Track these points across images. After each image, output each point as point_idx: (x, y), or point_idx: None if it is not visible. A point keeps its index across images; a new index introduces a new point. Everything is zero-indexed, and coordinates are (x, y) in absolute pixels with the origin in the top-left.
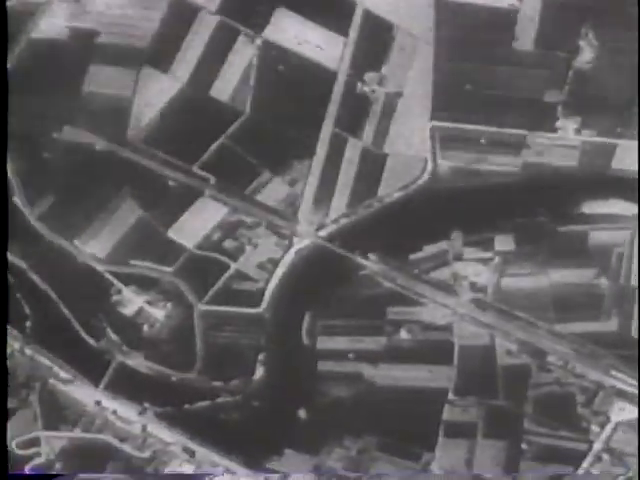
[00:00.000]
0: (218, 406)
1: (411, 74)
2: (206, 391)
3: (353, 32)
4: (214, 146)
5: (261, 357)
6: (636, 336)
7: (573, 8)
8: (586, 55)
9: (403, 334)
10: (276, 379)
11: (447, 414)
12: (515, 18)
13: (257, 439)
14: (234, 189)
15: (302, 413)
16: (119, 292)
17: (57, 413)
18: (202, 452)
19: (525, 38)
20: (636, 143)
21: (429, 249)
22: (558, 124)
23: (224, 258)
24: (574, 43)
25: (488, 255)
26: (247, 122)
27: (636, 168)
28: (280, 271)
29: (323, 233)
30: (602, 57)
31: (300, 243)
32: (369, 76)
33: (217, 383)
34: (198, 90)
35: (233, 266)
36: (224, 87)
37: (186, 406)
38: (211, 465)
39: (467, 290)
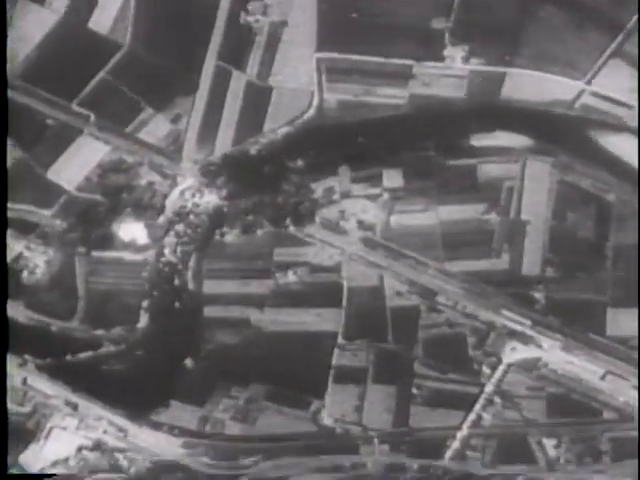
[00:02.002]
0: (101, 356)
1: (296, 2)
2: (88, 341)
3: None
4: (93, 82)
5: (145, 304)
6: (526, 273)
7: None
8: None
9: (290, 276)
10: (161, 327)
11: (337, 359)
12: None
13: (142, 390)
14: (115, 127)
15: (188, 362)
16: None
17: None
18: (85, 405)
19: None
20: (525, 71)
21: (316, 186)
22: (445, 53)
23: (106, 200)
24: None
25: (376, 191)
26: (127, 56)
27: (526, 98)
28: (168, 212)
29: (208, 172)
30: None
31: (184, 182)
32: (253, 5)
33: (99, 332)
34: (76, 22)
35: (110, 209)
36: (103, 18)
37: (68, 357)
38: (95, 418)
39: (355, 229)
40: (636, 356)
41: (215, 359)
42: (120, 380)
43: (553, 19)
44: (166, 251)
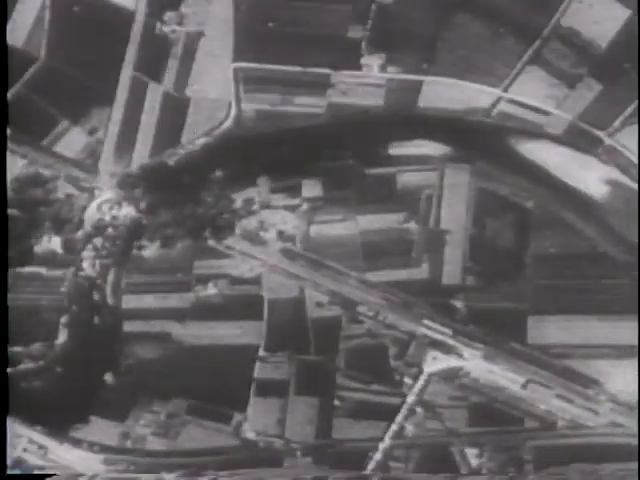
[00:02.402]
0: (19, 373)
1: (212, 12)
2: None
3: None
4: (9, 95)
5: (64, 319)
6: (447, 283)
7: None
8: None
9: (211, 289)
10: (80, 342)
11: (258, 372)
12: None
13: (61, 407)
14: (31, 140)
15: (108, 377)
16: None
17: None
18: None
19: None
20: (443, 79)
21: (235, 197)
22: (363, 61)
23: (22, 215)
24: None
25: (296, 202)
26: (43, 68)
27: (443, 106)
28: (87, 225)
29: (125, 185)
30: None
31: (102, 196)
32: (168, 15)
33: (18, 348)
34: None
35: (28, 224)
36: (17, 31)
37: None
38: (15, 436)
39: (275, 240)
40: (557, 364)
41: (136, 374)
42: (39, 397)
43: (469, 26)
44: (84, 265)
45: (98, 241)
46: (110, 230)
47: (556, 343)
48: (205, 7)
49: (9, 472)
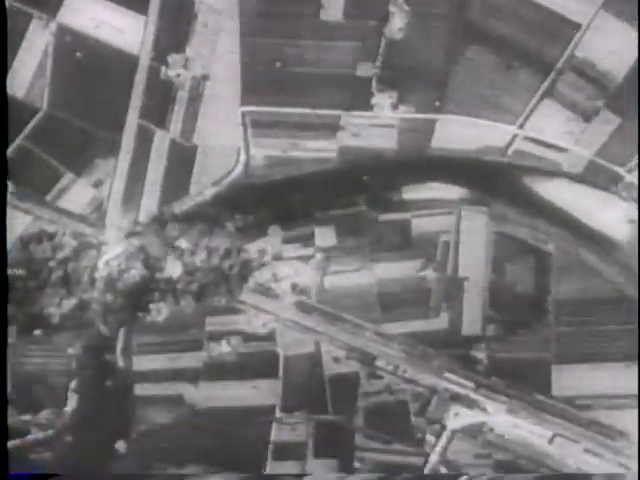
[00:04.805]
0: (28, 444)
1: (217, 54)
2: (15, 427)
3: (153, 10)
4: (11, 149)
5: (73, 385)
6: (467, 333)
7: None
8: (397, 22)
9: (224, 347)
10: (90, 408)
11: (275, 434)
12: None
13: (73, 479)
14: (35, 196)
15: (120, 445)
16: None
17: None
18: None
19: (333, 7)
20: (456, 117)
21: (247, 249)
22: (373, 100)
23: (29, 275)
24: (384, 9)
25: (309, 252)
26: (45, 119)
27: (457, 146)
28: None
29: (134, 240)
30: (414, 24)
31: (110, 252)
32: (173, 58)
33: (25, 417)
34: None
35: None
36: (19, 81)
37: None
38: None
39: (289, 292)
40: (584, 416)
41: (149, 440)
42: (50, 468)
43: (481, 60)
44: (96, 324)
45: (108, 298)
46: (120, 287)
47: (581, 394)
48: (211, 49)
49: None
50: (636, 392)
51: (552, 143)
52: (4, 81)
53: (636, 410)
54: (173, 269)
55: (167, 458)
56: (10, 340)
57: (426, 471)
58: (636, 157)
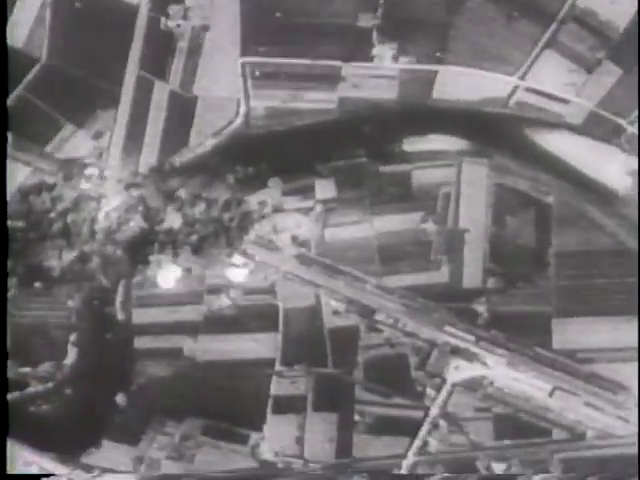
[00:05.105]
0: (27, 397)
1: (217, 4)
2: (13, 380)
3: None
4: (10, 99)
5: (72, 338)
6: (467, 286)
7: None
8: None
9: (223, 300)
10: (90, 362)
11: (275, 388)
12: None
13: (71, 432)
14: (34, 146)
15: (120, 398)
16: None
17: None
18: (12, 450)
19: None
20: (457, 69)
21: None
22: (374, 52)
23: (28, 227)
24: None
25: (309, 204)
26: (44, 70)
27: (458, 98)
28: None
29: (134, 192)
30: None
31: (109, 204)
32: (173, 9)
33: (25, 369)
34: None
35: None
36: (18, 31)
37: None
38: (24, 464)
39: (289, 245)
40: (585, 369)
41: (148, 394)
42: (48, 421)
43: (482, 11)
44: (95, 276)
45: (108, 250)
46: (119, 238)
47: (582, 347)
48: None
49: None
50: (636, 345)
51: (553, 94)
52: (4, 31)
53: (636, 363)
54: (172, 220)
55: (166, 412)
56: (10, 293)
57: (426, 424)
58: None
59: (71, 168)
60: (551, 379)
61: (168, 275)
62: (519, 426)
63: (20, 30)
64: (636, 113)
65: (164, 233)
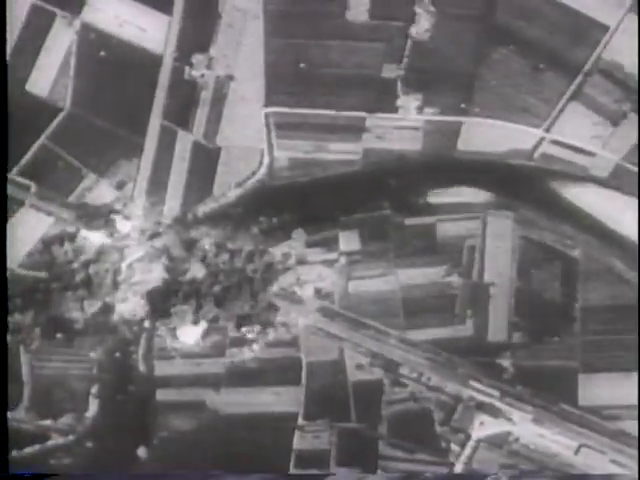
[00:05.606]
0: (48, 450)
1: (241, 54)
2: (34, 432)
3: (177, 10)
4: (33, 148)
5: (94, 389)
6: (492, 340)
7: None
8: (423, 23)
9: (246, 353)
10: (112, 414)
11: (298, 442)
12: None
13: None
14: (57, 196)
15: (141, 452)
16: None
17: None
18: None
19: (358, 7)
20: (482, 120)
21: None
22: (398, 103)
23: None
24: (410, 10)
25: (333, 256)
26: (68, 119)
27: (483, 150)
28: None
29: (157, 242)
30: (440, 25)
31: (133, 255)
32: (197, 58)
33: (46, 422)
34: (13, 84)
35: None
36: (42, 80)
37: (14, 453)
38: None
39: (312, 297)
40: (611, 427)
41: (170, 447)
42: (70, 475)
43: (508, 62)
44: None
45: (131, 302)
46: (142, 290)
47: (608, 404)
48: (235, 49)
49: None
50: None
51: (579, 147)
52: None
53: None
54: (196, 271)
55: (188, 465)
56: (34, 345)
57: None
58: None
59: (93, 218)
60: (577, 436)
61: (191, 331)
62: None
63: (44, 79)
64: None
65: (187, 284)
